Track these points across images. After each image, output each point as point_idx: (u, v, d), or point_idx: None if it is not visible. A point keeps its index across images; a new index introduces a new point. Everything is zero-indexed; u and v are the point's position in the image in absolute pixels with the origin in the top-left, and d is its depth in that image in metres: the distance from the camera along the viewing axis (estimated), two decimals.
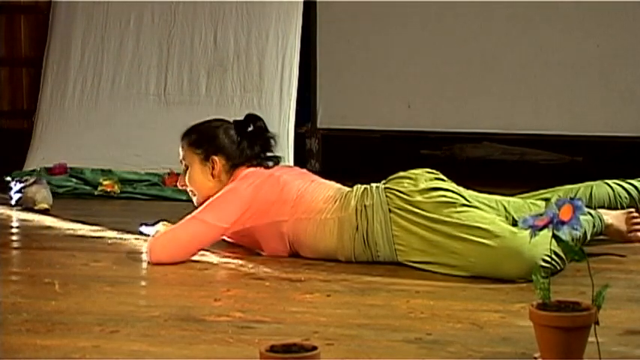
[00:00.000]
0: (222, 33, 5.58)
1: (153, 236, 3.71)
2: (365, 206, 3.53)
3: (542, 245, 3.16)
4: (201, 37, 5.60)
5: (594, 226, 3.60)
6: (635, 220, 3.70)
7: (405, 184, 3.54)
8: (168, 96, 5.57)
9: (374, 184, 3.62)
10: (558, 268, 3.27)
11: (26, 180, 4.90)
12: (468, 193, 3.57)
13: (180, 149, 3.78)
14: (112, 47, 5.70)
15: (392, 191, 3.53)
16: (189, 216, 3.61)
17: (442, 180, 3.60)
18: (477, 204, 3.52)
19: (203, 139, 3.73)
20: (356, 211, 3.53)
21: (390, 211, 3.50)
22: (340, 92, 5.60)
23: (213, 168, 3.69)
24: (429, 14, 5.44)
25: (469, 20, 5.38)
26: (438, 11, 5.41)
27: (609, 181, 3.89)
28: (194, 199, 3.77)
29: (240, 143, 3.72)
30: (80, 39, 5.75)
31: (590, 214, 3.59)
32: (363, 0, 5.48)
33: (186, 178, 3.75)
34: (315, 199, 3.60)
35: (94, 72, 5.69)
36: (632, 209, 3.75)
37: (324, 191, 3.64)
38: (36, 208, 4.77)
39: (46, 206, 4.80)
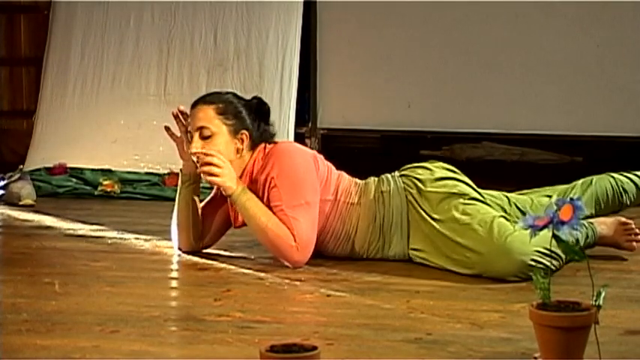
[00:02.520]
0: (222, 33, 5.58)
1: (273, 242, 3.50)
2: (382, 192, 3.60)
3: (532, 245, 3.20)
4: (201, 37, 5.60)
5: (587, 236, 3.56)
6: (629, 231, 3.62)
7: (420, 172, 3.61)
8: (168, 96, 5.57)
9: (388, 174, 3.67)
10: (553, 268, 3.28)
11: (10, 176, 4.92)
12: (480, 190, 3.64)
13: (200, 113, 3.55)
14: (112, 47, 5.70)
15: (408, 178, 3.61)
16: (288, 208, 3.46)
17: (457, 173, 3.65)
18: (486, 199, 3.58)
19: (230, 111, 3.58)
20: (375, 199, 3.59)
21: (406, 197, 3.57)
22: (340, 92, 5.60)
23: (241, 142, 3.58)
24: (429, 14, 5.44)
25: (469, 20, 5.38)
26: (438, 11, 5.41)
27: (609, 179, 3.87)
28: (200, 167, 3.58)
29: (259, 123, 3.66)
30: (80, 39, 5.75)
31: (584, 224, 3.57)
32: (363, 0, 5.48)
33: (209, 145, 3.53)
34: (349, 183, 3.65)
35: (93, 72, 5.69)
36: (630, 221, 3.65)
37: (348, 177, 3.68)
38: (20, 203, 4.83)
39: (30, 202, 4.85)
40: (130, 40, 5.69)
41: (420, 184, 3.57)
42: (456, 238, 3.42)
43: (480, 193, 3.58)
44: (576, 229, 2.24)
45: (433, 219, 3.48)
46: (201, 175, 3.57)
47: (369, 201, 3.60)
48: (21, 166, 5.11)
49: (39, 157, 5.52)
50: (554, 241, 3.14)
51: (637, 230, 3.63)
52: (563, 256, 3.34)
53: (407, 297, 3.11)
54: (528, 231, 2.29)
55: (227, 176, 3.48)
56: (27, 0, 6.19)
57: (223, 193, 3.53)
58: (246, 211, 3.49)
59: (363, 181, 3.68)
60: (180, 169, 3.74)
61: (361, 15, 5.51)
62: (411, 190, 3.57)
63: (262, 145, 3.62)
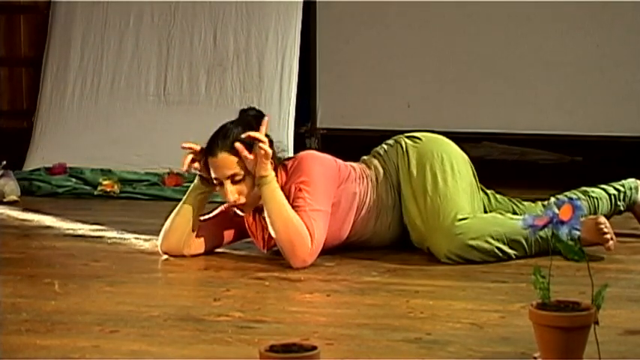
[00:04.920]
0: (221, 33, 5.58)
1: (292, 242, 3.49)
2: (379, 153, 3.82)
3: (474, 232, 3.50)
4: (201, 37, 5.60)
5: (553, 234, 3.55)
6: (603, 230, 3.57)
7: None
8: (168, 96, 5.57)
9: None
10: (504, 257, 3.53)
11: None
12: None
13: (224, 162, 3.52)
14: (111, 47, 5.70)
15: (402, 136, 3.83)
16: (311, 210, 3.50)
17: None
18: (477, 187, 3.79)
19: (250, 148, 3.54)
20: (378, 161, 3.79)
21: (399, 146, 3.77)
22: (340, 92, 5.60)
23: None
24: (429, 14, 5.43)
25: (469, 20, 5.38)
26: (438, 11, 5.41)
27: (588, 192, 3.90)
28: (240, 211, 3.60)
29: (272, 144, 3.64)
30: (80, 39, 5.75)
31: None
32: (363, 0, 5.48)
33: (242, 186, 3.53)
34: (358, 165, 3.81)
35: (93, 72, 5.70)
36: (600, 217, 3.62)
37: (354, 163, 3.84)
38: (5, 200, 4.88)
39: (15, 198, 4.92)
40: (130, 40, 5.69)
41: (410, 140, 3.78)
42: (408, 203, 3.64)
43: (477, 184, 3.76)
44: (576, 229, 2.25)
45: (410, 173, 3.69)
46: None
47: (376, 164, 3.78)
48: (4, 162, 5.12)
49: (38, 157, 5.53)
50: (513, 231, 3.50)
51: (606, 230, 3.56)
52: (531, 248, 3.55)
53: (407, 297, 3.11)
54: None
55: (268, 162, 3.50)
56: (27, 0, 6.19)
57: (259, 174, 3.49)
58: (273, 198, 3.48)
59: (361, 160, 3.88)
60: (199, 175, 3.68)
61: (361, 15, 5.51)
62: (401, 142, 3.78)
63: (280, 164, 3.64)
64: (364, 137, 5.88)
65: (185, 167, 3.62)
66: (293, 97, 5.45)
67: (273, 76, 5.47)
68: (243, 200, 3.55)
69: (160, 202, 4.97)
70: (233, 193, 3.52)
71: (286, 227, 3.47)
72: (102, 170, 5.34)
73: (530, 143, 6.11)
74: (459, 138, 5.91)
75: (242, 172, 3.52)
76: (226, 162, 3.53)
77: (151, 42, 5.66)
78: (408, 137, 3.81)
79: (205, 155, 3.59)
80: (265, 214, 3.53)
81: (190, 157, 3.62)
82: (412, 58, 5.47)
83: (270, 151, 3.49)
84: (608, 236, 3.56)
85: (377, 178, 3.75)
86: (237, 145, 3.50)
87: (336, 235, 3.64)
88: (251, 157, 3.50)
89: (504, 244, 3.53)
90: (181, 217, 3.67)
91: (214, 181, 3.59)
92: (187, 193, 3.70)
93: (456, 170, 3.68)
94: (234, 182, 3.53)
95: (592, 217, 3.65)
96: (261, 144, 3.48)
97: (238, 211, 3.63)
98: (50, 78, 5.77)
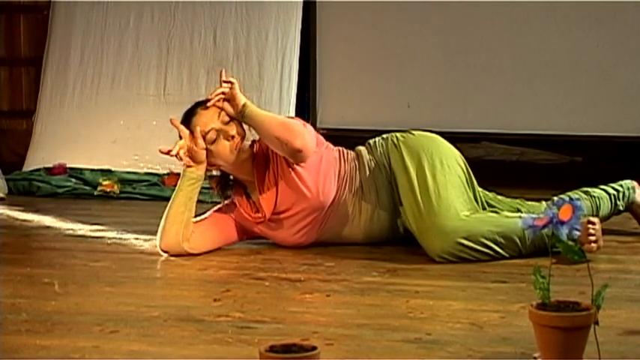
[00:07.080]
0: (221, 33, 5.58)
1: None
2: (370, 144, 3.88)
3: (465, 231, 3.50)
4: (201, 37, 5.60)
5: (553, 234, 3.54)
6: (590, 231, 3.54)
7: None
8: (168, 96, 5.57)
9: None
10: (497, 255, 3.52)
11: None
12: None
13: (209, 110, 3.74)
14: (111, 47, 5.70)
15: (392, 133, 3.88)
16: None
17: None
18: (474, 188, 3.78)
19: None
20: (366, 150, 3.87)
21: (391, 141, 3.83)
22: (340, 92, 5.60)
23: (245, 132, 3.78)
24: (429, 14, 5.44)
25: (469, 20, 5.38)
26: (438, 11, 5.41)
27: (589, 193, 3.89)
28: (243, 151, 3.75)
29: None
30: (80, 39, 5.75)
31: None
32: (363, 0, 5.48)
33: (231, 127, 3.73)
34: (344, 149, 3.90)
35: (93, 72, 5.70)
36: (594, 219, 3.61)
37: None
38: None
39: (1, 195, 4.96)
40: (130, 40, 5.69)
41: (402, 136, 3.82)
42: (403, 199, 3.66)
43: (470, 181, 3.76)
44: (576, 229, 2.25)
45: (405, 166, 3.72)
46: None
47: (363, 153, 3.84)
48: None
49: (38, 157, 5.53)
50: (507, 230, 3.50)
51: (593, 232, 3.53)
52: (525, 246, 3.54)
53: (407, 297, 3.11)
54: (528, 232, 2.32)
55: (237, 89, 3.76)
56: (27, 0, 6.19)
57: (237, 106, 3.72)
58: (259, 114, 3.70)
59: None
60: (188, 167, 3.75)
61: (361, 15, 5.51)
62: (393, 137, 3.83)
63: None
64: (364, 137, 5.89)
65: (175, 150, 3.72)
66: (293, 97, 5.45)
67: (273, 76, 5.47)
68: (242, 133, 3.73)
69: (160, 202, 4.95)
70: (231, 126, 3.70)
71: (276, 120, 3.68)
72: (102, 170, 5.34)
73: (530, 143, 6.11)
74: (458, 138, 5.93)
75: (228, 115, 3.72)
76: (208, 110, 3.74)
77: (151, 42, 5.66)
78: (400, 133, 3.87)
79: (187, 123, 3.76)
80: (257, 133, 3.71)
81: (182, 142, 3.73)
82: (412, 58, 5.47)
83: (234, 80, 3.75)
84: (593, 238, 3.54)
85: (360, 162, 3.82)
86: (210, 102, 3.74)
87: (321, 189, 3.69)
88: (225, 105, 3.72)
89: (496, 243, 3.52)
90: (176, 208, 3.68)
91: (209, 135, 3.69)
92: (178, 185, 3.74)
93: (445, 165, 3.69)
94: (222, 123, 3.72)
95: (588, 217, 3.64)
96: (224, 79, 3.75)
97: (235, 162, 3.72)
98: (50, 78, 5.77)
